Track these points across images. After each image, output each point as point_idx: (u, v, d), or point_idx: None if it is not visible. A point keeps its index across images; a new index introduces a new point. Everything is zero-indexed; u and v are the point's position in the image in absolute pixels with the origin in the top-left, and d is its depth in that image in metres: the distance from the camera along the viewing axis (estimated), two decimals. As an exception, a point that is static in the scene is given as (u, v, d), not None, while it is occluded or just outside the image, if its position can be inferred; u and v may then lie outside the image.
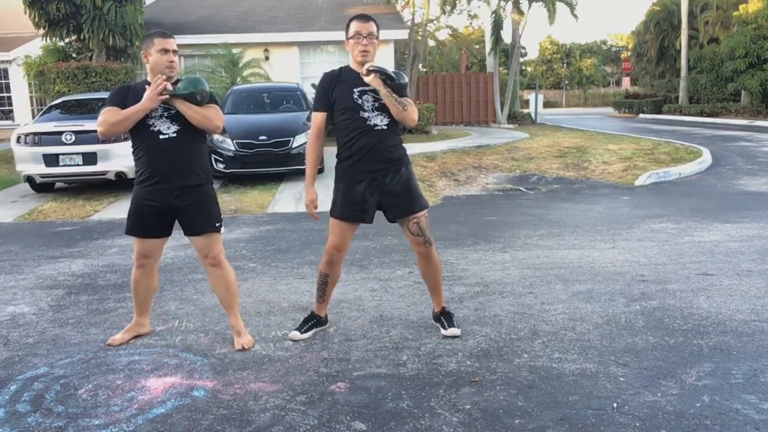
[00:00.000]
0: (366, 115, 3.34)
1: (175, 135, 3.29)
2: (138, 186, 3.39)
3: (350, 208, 3.41)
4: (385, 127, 3.37)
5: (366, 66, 3.29)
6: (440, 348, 3.37)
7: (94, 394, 2.93)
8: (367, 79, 3.28)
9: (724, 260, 4.98)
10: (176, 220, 3.43)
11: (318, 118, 3.45)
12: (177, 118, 3.29)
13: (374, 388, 2.92)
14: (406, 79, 3.37)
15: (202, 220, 3.38)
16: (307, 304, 4.06)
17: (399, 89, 3.32)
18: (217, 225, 3.43)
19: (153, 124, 3.29)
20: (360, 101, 3.34)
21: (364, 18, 3.34)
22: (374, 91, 3.34)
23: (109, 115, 3.26)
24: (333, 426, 2.60)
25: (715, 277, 4.53)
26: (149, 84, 3.31)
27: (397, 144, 3.46)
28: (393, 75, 3.31)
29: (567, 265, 4.95)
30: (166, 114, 3.29)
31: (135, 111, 3.23)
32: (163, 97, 3.24)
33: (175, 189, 3.32)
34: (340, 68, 3.46)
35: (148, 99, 3.23)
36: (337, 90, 3.38)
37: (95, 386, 3.01)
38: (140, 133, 3.32)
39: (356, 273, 4.86)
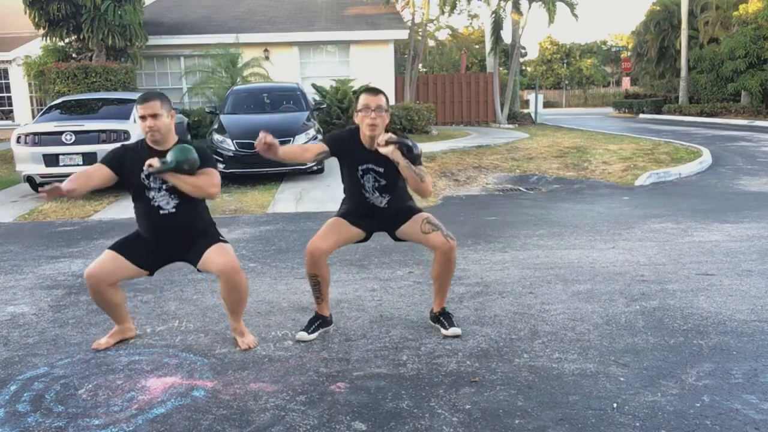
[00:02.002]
0: (366, 195, 3.43)
1: (174, 210, 3.27)
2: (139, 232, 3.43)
3: (348, 216, 3.51)
4: (386, 206, 3.46)
5: (384, 137, 3.25)
6: (440, 348, 3.37)
7: (94, 394, 2.93)
8: (385, 150, 3.22)
9: (724, 260, 4.98)
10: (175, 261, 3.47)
11: (316, 146, 3.46)
12: (176, 189, 3.24)
13: (374, 388, 2.92)
14: (420, 149, 3.35)
15: (206, 241, 3.35)
16: (307, 304, 4.06)
17: (415, 160, 3.29)
18: (221, 239, 3.41)
19: (153, 197, 3.27)
20: (362, 181, 3.41)
21: (373, 91, 3.36)
22: (376, 173, 3.38)
23: (87, 172, 3.24)
24: (333, 426, 2.60)
25: (715, 277, 4.53)
26: (146, 146, 3.30)
27: (398, 207, 3.51)
28: (411, 146, 3.26)
29: (567, 265, 4.95)
30: (165, 186, 3.25)
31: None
32: (152, 171, 3.18)
33: (177, 247, 3.36)
34: (356, 131, 3.44)
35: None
36: (347, 155, 3.44)
37: (95, 386, 3.01)
38: (140, 204, 3.33)
39: (356, 273, 4.86)
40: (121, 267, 3.33)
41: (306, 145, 3.48)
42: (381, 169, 3.38)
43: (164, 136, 3.26)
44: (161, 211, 3.27)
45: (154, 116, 3.21)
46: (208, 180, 3.24)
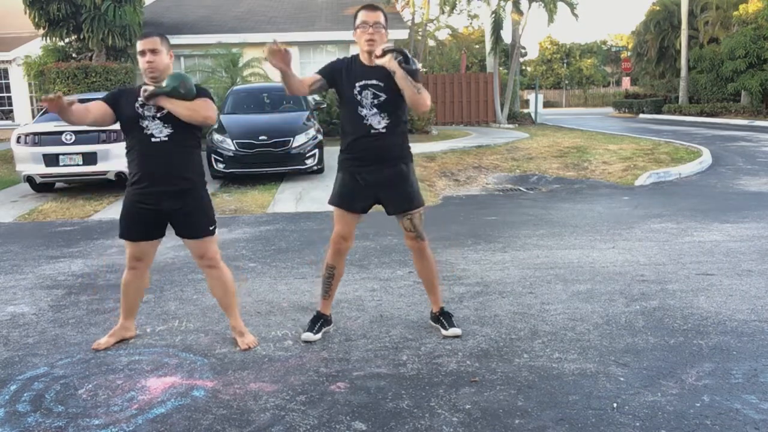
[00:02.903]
0: (364, 112, 3.31)
1: (167, 139, 3.25)
2: (130, 188, 3.36)
3: (342, 197, 3.46)
4: (384, 131, 3.33)
5: (382, 46, 3.24)
6: (440, 348, 3.37)
7: (94, 394, 2.93)
8: (382, 60, 3.22)
9: (724, 260, 4.98)
10: (168, 222, 3.40)
11: (310, 77, 3.41)
12: (169, 119, 3.23)
13: (374, 388, 2.92)
14: (419, 65, 3.33)
15: (196, 224, 3.35)
16: (308, 304, 4.06)
17: (413, 73, 3.26)
18: (211, 228, 3.40)
19: (146, 126, 3.25)
20: (359, 97, 3.32)
21: (371, 7, 3.33)
22: (375, 87, 3.30)
23: (86, 105, 3.26)
24: (333, 426, 2.60)
25: (715, 277, 4.53)
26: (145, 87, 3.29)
27: (397, 144, 3.42)
28: (409, 57, 3.26)
29: (567, 265, 4.95)
30: (158, 115, 3.24)
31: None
32: (148, 94, 3.19)
33: (166, 192, 3.28)
34: (352, 57, 3.43)
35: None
36: (344, 78, 3.37)
37: (95, 386, 3.01)
38: (133, 135, 3.29)
39: (356, 273, 4.86)
40: (142, 247, 3.42)
41: (304, 77, 3.43)
42: (381, 83, 3.30)
43: (162, 74, 3.27)
44: (153, 139, 3.24)
45: (154, 51, 3.24)
46: (204, 105, 3.25)
